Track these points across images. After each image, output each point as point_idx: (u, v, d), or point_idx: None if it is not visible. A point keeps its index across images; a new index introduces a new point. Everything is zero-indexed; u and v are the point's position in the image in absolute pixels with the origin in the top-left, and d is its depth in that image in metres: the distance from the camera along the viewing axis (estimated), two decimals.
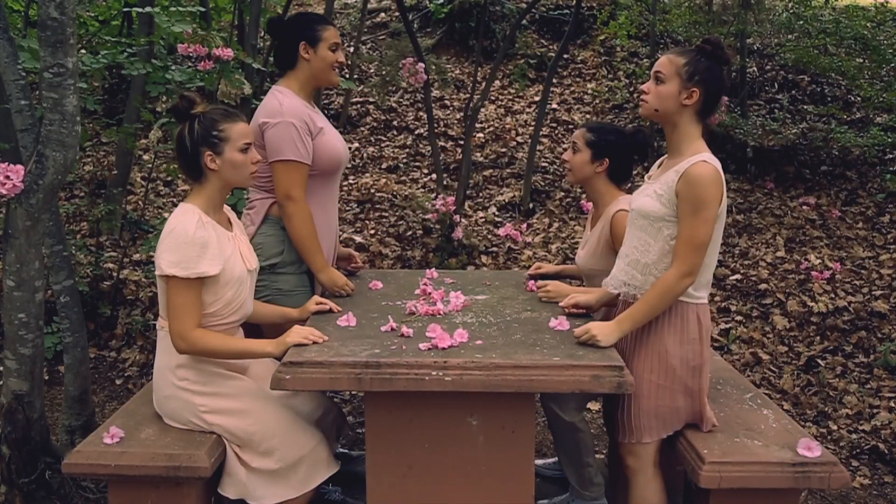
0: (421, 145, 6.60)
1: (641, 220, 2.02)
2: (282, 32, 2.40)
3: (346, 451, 2.91)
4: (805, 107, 6.66)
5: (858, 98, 6.51)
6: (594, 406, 3.48)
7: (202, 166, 2.00)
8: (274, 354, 1.99)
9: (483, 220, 5.51)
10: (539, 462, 2.91)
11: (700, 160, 1.90)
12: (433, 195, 5.31)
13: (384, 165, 6.32)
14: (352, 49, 7.58)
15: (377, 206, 5.66)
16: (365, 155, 6.46)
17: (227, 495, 2.06)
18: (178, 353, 2.02)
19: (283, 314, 2.32)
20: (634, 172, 5.97)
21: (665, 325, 2.00)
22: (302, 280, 2.43)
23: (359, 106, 7.21)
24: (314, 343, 1.96)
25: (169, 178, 5.97)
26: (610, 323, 1.99)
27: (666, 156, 2.10)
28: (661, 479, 2.14)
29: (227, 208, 2.19)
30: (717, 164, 1.92)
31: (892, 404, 3.43)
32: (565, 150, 2.48)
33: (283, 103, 2.29)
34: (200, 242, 1.92)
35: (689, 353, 2.00)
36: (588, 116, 6.93)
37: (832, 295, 4.37)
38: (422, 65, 4.16)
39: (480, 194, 5.90)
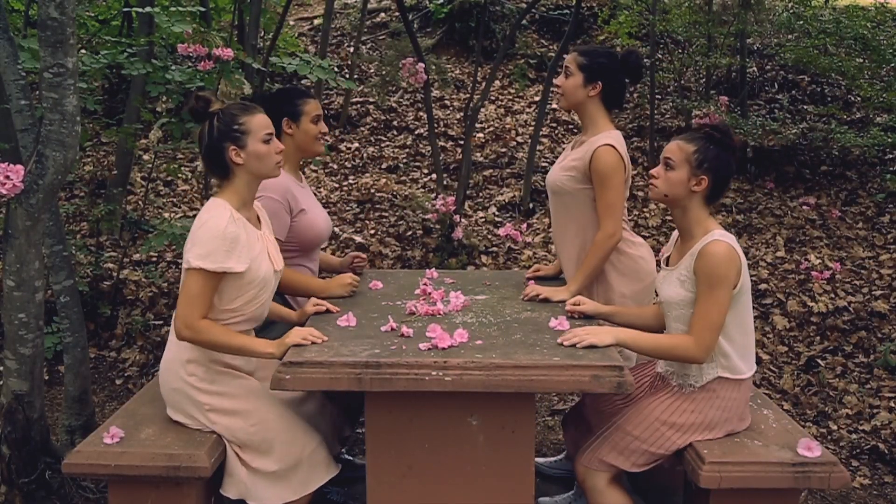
0: (421, 145, 6.60)
1: (675, 311, 2.04)
2: (265, 106, 2.42)
3: (351, 458, 2.90)
4: (805, 107, 6.66)
5: (858, 98, 6.51)
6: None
7: (227, 162, 2.00)
8: (275, 355, 1.99)
9: (483, 220, 5.51)
10: (541, 460, 2.91)
11: (713, 239, 1.93)
12: (433, 195, 5.31)
13: (384, 165, 6.32)
14: (352, 49, 7.58)
15: (377, 206, 5.66)
16: (365, 155, 6.46)
17: (228, 495, 2.06)
18: (189, 348, 2.02)
19: (282, 315, 2.33)
20: (634, 173, 5.97)
21: (705, 402, 2.02)
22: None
23: (359, 106, 7.21)
24: (313, 343, 1.96)
25: (169, 179, 5.97)
26: (608, 330, 2.01)
27: (678, 237, 2.13)
28: (617, 489, 2.12)
29: (257, 205, 2.18)
30: (732, 240, 1.94)
31: (892, 404, 3.43)
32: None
33: (265, 188, 2.31)
34: (231, 238, 1.92)
35: (729, 420, 2.05)
36: None
37: (832, 295, 4.37)
38: (422, 65, 4.16)
39: (480, 194, 5.90)
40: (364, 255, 2.78)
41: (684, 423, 2.02)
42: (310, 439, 2.10)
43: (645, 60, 7.12)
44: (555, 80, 2.50)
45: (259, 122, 2.02)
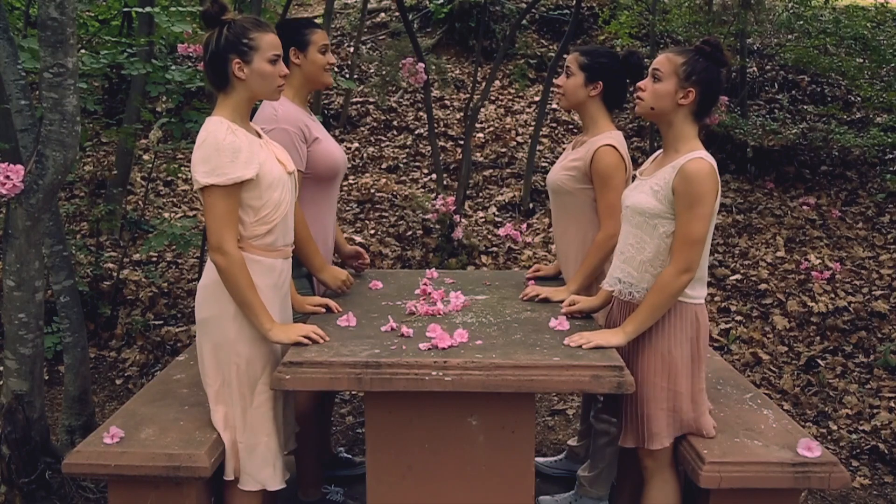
0: (421, 145, 6.61)
1: (637, 218, 2.01)
2: None
3: (350, 456, 2.91)
4: (805, 107, 6.66)
5: (858, 98, 6.51)
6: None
7: (229, 75, 1.95)
8: (272, 335, 1.95)
9: (483, 220, 5.51)
10: (541, 460, 2.91)
11: (696, 156, 1.90)
12: (433, 195, 5.31)
13: (384, 165, 6.32)
14: (352, 49, 7.59)
15: (377, 206, 5.66)
16: (365, 155, 6.46)
17: (227, 477, 2.06)
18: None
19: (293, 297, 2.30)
20: (635, 172, 5.97)
21: (665, 326, 2.00)
22: (301, 284, 2.43)
23: (359, 106, 7.21)
24: (314, 343, 1.96)
25: (169, 178, 5.98)
26: (614, 330, 2.00)
27: (660, 152, 2.10)
28: (677, 481, 2.13)
29: (257, 128, 2.12)
30: (713, 161, 1.92)
31: (892, 404, 3.43)
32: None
33: (279, 110, 2.28)
34: (231, 148, 1.88)
35: (688, 353, 2.00)
36: None
37: (832, 295, 4.37)
38: (422, 65, 4.17)
39: (480, 194, 5.90)
40: (367, 257, 2.75)
41: (647, 348, 2.02)
42: (280, 441, 2.11)
43: (645, 60, 7.13)
44: (555, 80, 2.48)
45: (269, 41, 1.96)
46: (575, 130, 6.76)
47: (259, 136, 2.07)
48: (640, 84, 2.02)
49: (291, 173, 2.07)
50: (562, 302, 2.30)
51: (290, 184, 2.05)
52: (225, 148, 1.87)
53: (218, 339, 2.00)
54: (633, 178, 2.20)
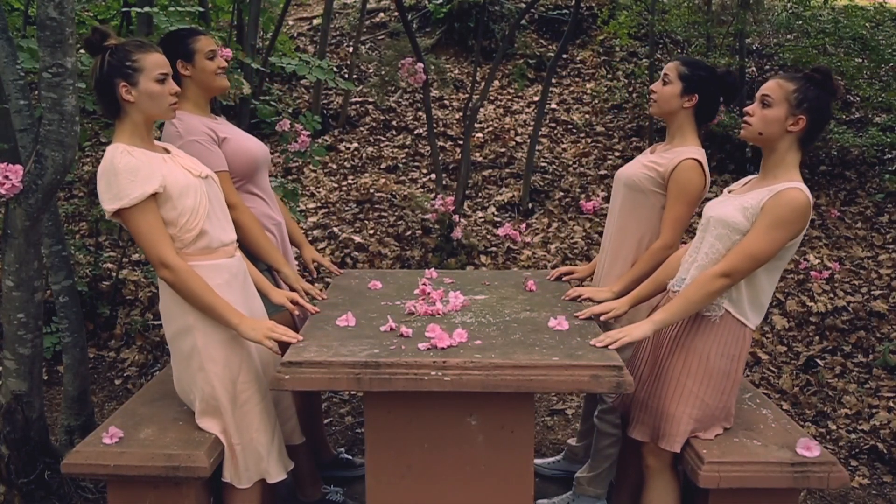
0: (420, 145, 6.60)
1: (720, 229, 1.99)
2: None
3: (350, 457, 2.91)
4: None
5: (857, 98, 6.51)
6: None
7: (118, 99, 1.95)
8: (241, 330, 1.96)
9: (482, 219, 5.51)
10: (539, 461, 2.91)
11: (796, 186, 1.89)
12: (432, 195, 5.31)
13: (383, 165, 6.32)
14: (351, 49, 7.59)
15: (376, 206, 5.66)
16: (364, 155, 6.46)
17: (226, 479, 2.07)
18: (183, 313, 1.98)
19: (265, 290, 2.32)
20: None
21: (711, 334, 2.01)
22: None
23: (358, 106, 7.21)
24: (300, 342, 1.98)
25: None
26: (640, 322, 2.00)
27: (754, 176, 2.09)
28: (677, 481, 2.14)
29: (165, 145, 2.13)
30: (810, 196, 1.91)
31: (892, 404, 3.44)
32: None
33: (180, 126, 2.28)
34: (128, 169, 1.88)
35: (726, 369, 2.01)
36: (587, 116, 6.93)
37: (831, 295, 4.37)
38: (421, 65, 4.16)
39: (480, 194, 5.90)
40: (330, 264, 2.75)
41: (688, 349, 2.02)
42: (278, 427, 2.13)
43: (645, 61, 7.13)
44: (651, 87, 2.45)
45: (153, 61, 1.97)
46: (574, 131, 6.76)
47: (168, 151, 2.09)
48: (747, 109, 2.00)
49: (206, 177, 2.08)
50: (602, 302, 2.28)
51: (204, 187, 2.05)
52: (121, 171, 1.88)
53: (188, 352, 2.02)
54: (715, 194, 2.17)
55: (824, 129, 2.03)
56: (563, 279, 2.63)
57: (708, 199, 2.21)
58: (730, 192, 2.11)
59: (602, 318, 2.17)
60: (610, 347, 1.92)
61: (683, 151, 2.32)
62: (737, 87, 2.41)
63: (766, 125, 1.95)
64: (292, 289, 2.42)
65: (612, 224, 2.52)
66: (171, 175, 1.96)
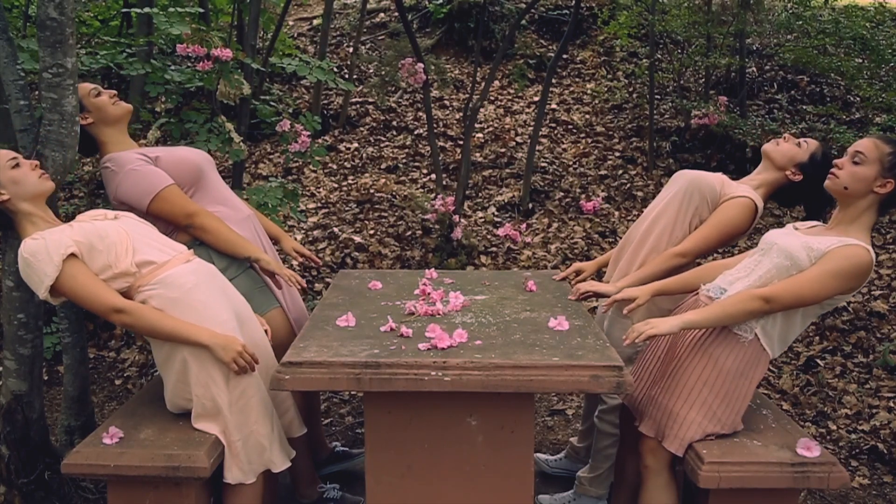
0: (420, 145, 6.61)
1: (781, 260, 1.98)
2: None
3: (346, 448, 2.91)
4: (804, 107, 6.66)
5: (857, 98, 6.51)
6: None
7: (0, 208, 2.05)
8: (211, 348, 1.99)
9: (482, 220, 5.51)
10: (541, 457, 2.91)
11: (866, 246, 1.90)
12: (432, 195, 5.31)
13: (383, 165, 6.32)
14: (351, 49, 7.59)
15: (376, 206, 5.66)
16: (364, 155, 6.46)
17: (228, 480, 2.08)
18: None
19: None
20: (633, 172, 5.97)
21: (735, 351, 2.02)
22: (251, 276, 2.46)
23: (358, 106, 7.21)
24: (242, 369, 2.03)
25: None
26: (668, 318, 2.01)
27: (818, 223, 2.10)
28: (675, 481, 2.14)
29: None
30: (873, 258, 1.91)
31: (892, 404, 3.44)
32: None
33: (112, 164, 2.33)
34: (34, 253, 1.95)
35: (742, 388, 2.03)
36: (587, 116, 6.93)
37: None
38: (421, 65, 4.16)
39: (480, 194, 5.90)
40: (311, 255, 2.76)
41: (709, 357, 2.03)
42: (276, 420, 2.17)
43: (645, 61, 7.13)
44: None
45: None
46: (574, 130, 6.76)
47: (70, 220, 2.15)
48: (837, 162, 1.99)
49: (115, 218, 2.12)
50: (608, 296, 2.28)
51: (118, 224, 2.09)
52: (30, 259, 1.95)
53: (180, 367, 2.06)
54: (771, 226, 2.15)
55: None
56: (571, 282, 2.60)
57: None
58: (795, 228, 2.12)
59: (625, 310, 2.18)
60: (637, 341, 1.94)
61: (743, 189, 2.27)
62: None
63: (854, 182, 1.95)
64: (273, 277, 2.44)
65: (650, 213, 2.44)
66: (80, 231, 2.01)
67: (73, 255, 1.96)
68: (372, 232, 5.28)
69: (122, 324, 1.99)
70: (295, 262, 2.77)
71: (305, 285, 2.45)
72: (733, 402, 2.03)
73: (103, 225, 2.06)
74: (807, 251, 1.94)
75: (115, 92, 2.45)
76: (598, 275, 2.71)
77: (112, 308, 1.96)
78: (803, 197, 2.35)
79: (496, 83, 7.53)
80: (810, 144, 2.34)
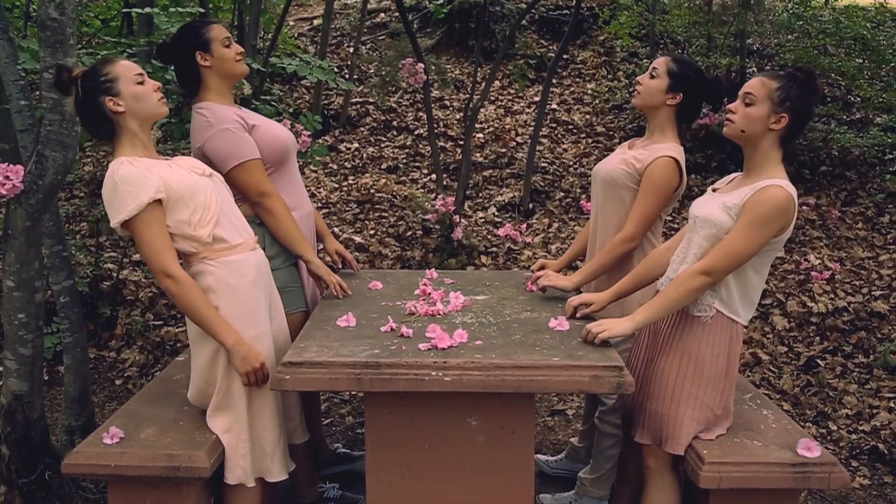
0: (421, 145, 6.61)
1: (707, 229, 1.98)
2: (173, 53, 2.36)
3: (348, 451, 2.91)
4: None
5: (858, 98, 6.51)
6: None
7: (109, 115, 1.96)
8: (232, 353, 1.97)
9: (483, 220, 5.51)
10: (542, 457, 2.91)
11: (777, 183, 1.89)
12: (433, 195, 5.31)
13: (384, 166, 6.32)
14: (351, 49, 7.59)
15: (377, 206, 5.66)
16: (365, 155, 6.46)
17: (229, 481, 2.08)
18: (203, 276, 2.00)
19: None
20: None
21: (703, 335, 2.00)
22: (292, 273, 2.43)
23: (358, 106, 7.22)
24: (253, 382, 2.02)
25: None
26: (622, 318, 1.99)
27: (738, 174, 2.09)
28: (677, 481, 2.13)
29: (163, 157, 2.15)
30: (793, 192, 1.90)
31: (892, 404, 3.43)
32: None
33: (210, 116, 2.28)
34: (124, 181, 1.89)
35: (722, 368, 2.01)
36: (588, 117, 6.93)
37: (832, 295, 4.37)
38: (421, 65, 4.17)
39: (480, 194, 5.90)
40: (351, 260, 2.74)
41: (681, 350, 2.02)
42: (283, 427, 2.16)
43: (645, 61, 7.13)
44: (637, 78, 2.42)
45: (124, 66, 1.98)
46: (574, 131, 6.76)
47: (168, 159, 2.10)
48: (730, 107, 2.00)
49: (210, 176, 2.08)
50: (565, 290, 2.30)
51: (211, 185, 2.06)
52: (119, 184, 1.89)
53: (212, 352, 2.03)
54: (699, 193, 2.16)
55: (805, 127, 2.02)
56: (536, 275, 2.55)
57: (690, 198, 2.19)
58: (714, 190, 2.11)
59: (578, 313, 2.18)
60: (596, 342, 1.92)
61: (661, 148, 2.30)
62: (721, 94, 2.39)
63: (748, 122, 1.96)
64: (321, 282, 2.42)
65: (597, 221, 2.51)
66: (175, 179, 1.96)
67: (159, 200, 1.92)
68: (372, 232, 5.28)
69: (166, 288, 1.94)
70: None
71: (350, 293, 2.42)
72: (717, 382, 2.01)
73: (199, 181, 2.01)
74: (726, 211, 1.94)
75: (243, 50, 2.39)
76: (573, 268, 2.71)
77: (165, 271, 1.91)
78: (699, 103, 2.39)
79: (496, 83, 7.53)
80: (658, 65, 2.37)
